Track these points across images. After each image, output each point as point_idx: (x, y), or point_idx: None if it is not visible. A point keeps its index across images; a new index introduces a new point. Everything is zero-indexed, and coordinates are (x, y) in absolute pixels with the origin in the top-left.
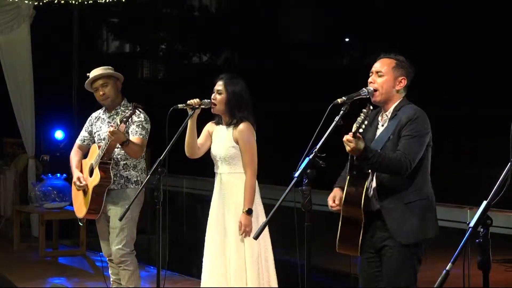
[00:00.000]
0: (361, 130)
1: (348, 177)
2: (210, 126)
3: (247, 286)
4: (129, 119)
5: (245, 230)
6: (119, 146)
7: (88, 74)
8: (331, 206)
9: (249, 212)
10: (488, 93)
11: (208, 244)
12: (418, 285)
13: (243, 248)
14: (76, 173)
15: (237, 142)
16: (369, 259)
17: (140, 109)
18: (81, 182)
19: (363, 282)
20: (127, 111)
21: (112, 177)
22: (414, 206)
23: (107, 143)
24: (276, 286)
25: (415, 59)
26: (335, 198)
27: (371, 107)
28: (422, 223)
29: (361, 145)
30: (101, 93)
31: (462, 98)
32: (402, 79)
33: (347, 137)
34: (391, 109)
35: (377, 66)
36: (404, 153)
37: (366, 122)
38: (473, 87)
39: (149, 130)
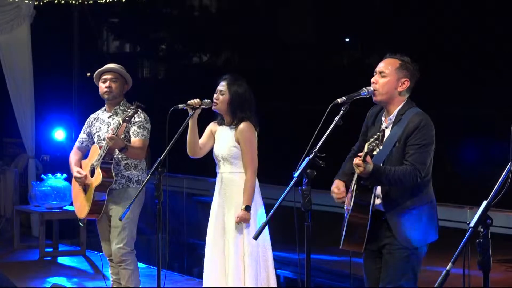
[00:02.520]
0: (374, 153)
1: (356, 186)
2: (212, 126)
3: (245, 286)
4: (131, 119)
5: (240, 222)
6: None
7: (88, 74)
8: (337, 195)
9: (247, 209)
10: (489, 92)
11: (209, 244)
12: (418, 285)
13: (242, 247)
14: (75, 168)
15: (238, 142)
16: (372, 257)
17: (141, 109)
18: (81, 174)
19: (368, 280)
20: (129, 110)
21: (114, 176)
22: (418, 211)
23: (108, 144)
24: (275, 286)
25: (415, 58)
26: (339, 188)
27: (385, 130)
28: (425, 229)
29: (370, 167)
30: (107, 85)
31: (463, 97)
32: (405, 81)
33: (357, 161)
34: (395, 113)
35: (381, 66)
36: (413, 165)
37: (380, 147)
38: (474, 86)
39: (149, 129)
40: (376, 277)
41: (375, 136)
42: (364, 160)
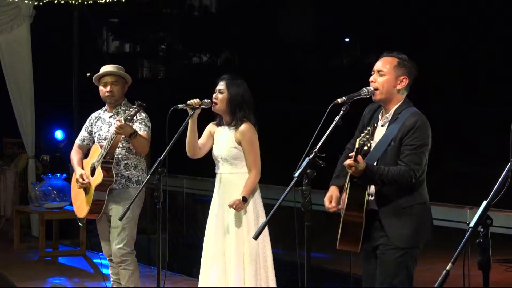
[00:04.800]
0: (365, 148)
1: (349, 183)
2: (211, 127)
3: (245, 286)
4: (133, 118)
5: (233, 207)
6: (120, 146)
7: (88, 74)
8: (328, 208)
9: (244, 199)
10: (488, 91)
11: (208, 244)
12: (418, 285)
13: (242, 247)
14: (78, 170)
15: (239, 143)
16: (369, 257)
17: (142, 108)
18: (84, 180)
19: (365, 280)
20: (131, 109)
21: (114, 176)
22: (411, 211)
23: (110, 142)
24: (275, 285)
25: (415, 57)
26: (331, 198)
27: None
28: (418, 229)
29: (361, 166)
30: (108, 89)
31: (463, 96)
32: (403, 79)
33: (348, 162)
34: (392, 111)
35: (378, 65)
36: (408, 165)
37: (372, 141)
38: (474, 84)
39: (150, 127)
40: (373, 277)
41: (366, 131)
42: (355, 160)
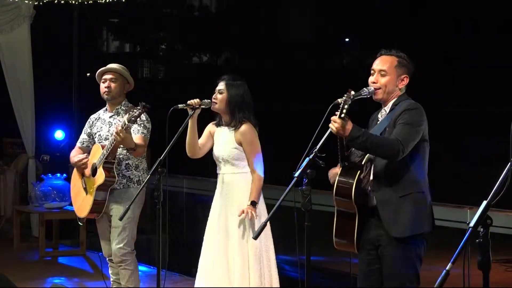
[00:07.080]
0: (346, 107)
1: (340, 168)
2: (211, 127)
3: (250, 286)
4: (137, 119)
5: (246, 214)
6: (122, 146)
7: (88, 74)
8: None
9: (253, 203)
10: (488, 91)
11: (208, 244)
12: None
13: (246, 247)
14: (75, 158)
15: (239, 144)
16: (368, 256)
17: (146, 109)
18: (80, 158)
19: (361, 280)
20: (135, 110)
21: (116, 176)
22: (409, 198)
23: (112, 143)
24: (278, 285)
25: (415, 57)
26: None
27: (352, 92)
28: (416, 216)
29: (349, 125)
30: (106, 85)
31: (463, 96)
32: (404, 77)
33: (333, 117)
34: (390, 104)
35: (379, 64)
36: (397, 138)
37: (346, 106)
38: (474, 84)
39: (150, 129)
40: (370, 278)
41: (347, 94)
42: (341, 117)
